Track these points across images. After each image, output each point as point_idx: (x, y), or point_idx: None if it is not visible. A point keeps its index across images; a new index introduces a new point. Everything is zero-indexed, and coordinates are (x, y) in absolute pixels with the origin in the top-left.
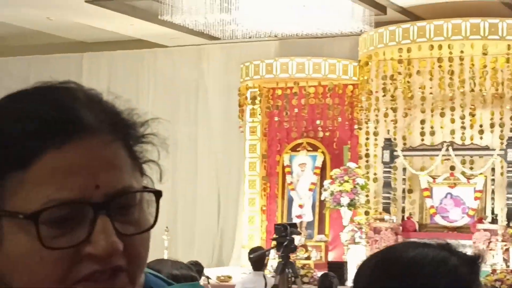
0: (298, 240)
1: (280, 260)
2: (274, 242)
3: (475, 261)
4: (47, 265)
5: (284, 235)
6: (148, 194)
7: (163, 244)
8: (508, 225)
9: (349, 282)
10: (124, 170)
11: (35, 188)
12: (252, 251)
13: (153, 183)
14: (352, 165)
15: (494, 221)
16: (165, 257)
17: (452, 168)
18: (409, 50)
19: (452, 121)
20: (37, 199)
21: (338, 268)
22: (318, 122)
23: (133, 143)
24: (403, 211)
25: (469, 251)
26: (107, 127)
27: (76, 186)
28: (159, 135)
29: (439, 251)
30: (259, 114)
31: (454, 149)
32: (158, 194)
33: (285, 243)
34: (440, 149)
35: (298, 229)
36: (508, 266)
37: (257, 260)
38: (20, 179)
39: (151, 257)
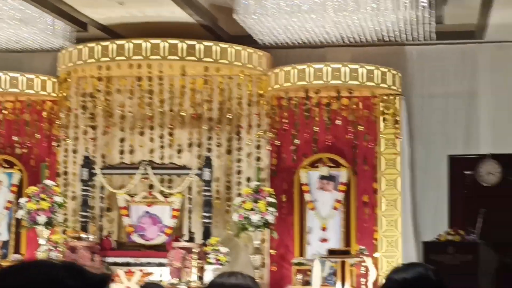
0: None
1: None
2: None
3: (102, 281)
4: None
5: None
6: None
7: None
8: (203, 243)
9: None
10: None
11: None
12: None
13: None
14: (50, 183)
15: (191, 239)
16: None
17: (151, 187)
18: (108, 68)
19: (151, 140)
20: None
21: None
22: (15, 138)
23: None
24: (101, 229)
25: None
26: None
27: None
28: None
29: (60, 271)
30: None
31: (153, 168)
32: None
33: None
34: (138, 168)
35: None
36: (202, 284)
37: None
38: None
39: None
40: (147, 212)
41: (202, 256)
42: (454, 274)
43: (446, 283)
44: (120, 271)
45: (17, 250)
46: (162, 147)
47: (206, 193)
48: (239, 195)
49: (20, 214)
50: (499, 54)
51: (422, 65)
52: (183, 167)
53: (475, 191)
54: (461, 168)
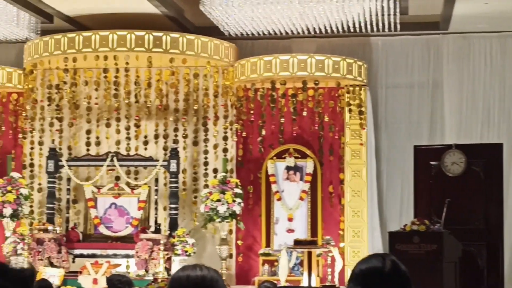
0: None
1: None
2: None
3: (26, 278)
4: None
5: None
6: None
7: None
8: (170, 235)
9: None
10: None
11: None
12: None
13: None
14: (15, 175)
15: (157, 230)
16: None
17: (117, 178)
18: (74, 60)
19: (118, 131)
20: None
21: None
22: None
23: None
24: (67, 221)
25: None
26: None
27: None
28: None
29: None
30: None
31: (119, 160)
32: None
33: None
34: (105, 160)
35: None
36: (169, 275)
37: None
38: None
39: None
40: (114, 203)
41: (169, 247)
42: (419, 263)
43: (407, 273)
44: (87, 263)
45: None
46: (128, 138)
47: (173, 185)
48: (206, 186)
49: None
50: (463, 45)
51: (387, 56)
52: (150, 159)
53: (440, 181)
54: (426, 158)
